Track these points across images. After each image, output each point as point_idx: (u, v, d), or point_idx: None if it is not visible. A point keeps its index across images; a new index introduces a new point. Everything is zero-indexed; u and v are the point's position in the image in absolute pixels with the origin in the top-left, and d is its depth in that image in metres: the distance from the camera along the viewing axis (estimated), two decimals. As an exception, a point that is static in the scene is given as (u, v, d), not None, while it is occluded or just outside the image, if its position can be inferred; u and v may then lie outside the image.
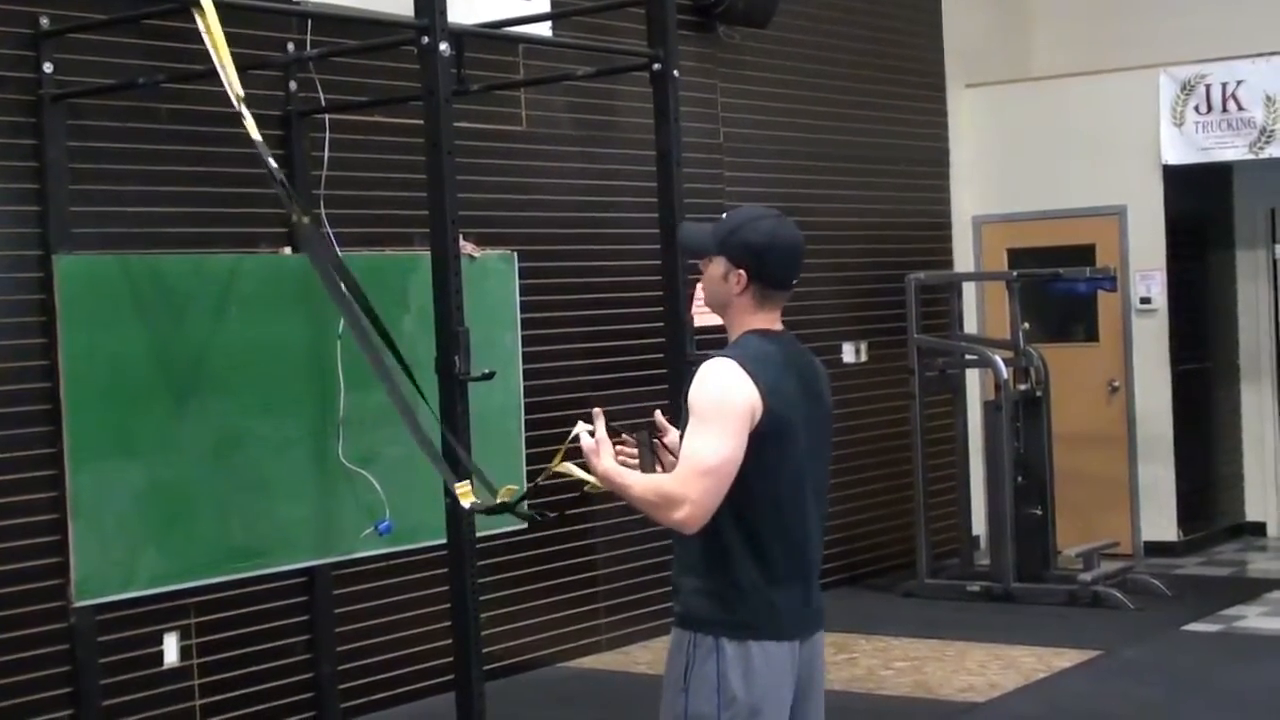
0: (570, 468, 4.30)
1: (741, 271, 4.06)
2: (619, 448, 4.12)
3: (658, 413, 4.25)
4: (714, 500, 3.89)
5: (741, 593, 4.01)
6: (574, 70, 8.42)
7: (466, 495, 5.03)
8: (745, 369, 3.95)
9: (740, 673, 3.98)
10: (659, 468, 4.11)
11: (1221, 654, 8.93)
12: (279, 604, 7.65)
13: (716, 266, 4.09)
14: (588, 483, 4.26)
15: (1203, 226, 12.25)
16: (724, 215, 4.20)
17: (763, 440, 3.94)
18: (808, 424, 4.07)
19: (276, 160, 7.64)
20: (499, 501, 4.97)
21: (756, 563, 4.01)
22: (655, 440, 4.14)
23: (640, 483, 4.01)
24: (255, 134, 5.88)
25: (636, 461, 4.11)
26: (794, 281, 4.18)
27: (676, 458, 4.05)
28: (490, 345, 7.69)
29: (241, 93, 5.74)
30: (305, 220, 6.04)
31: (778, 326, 4.14)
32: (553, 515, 5.24)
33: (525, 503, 5.02)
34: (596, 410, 4.14)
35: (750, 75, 10.53)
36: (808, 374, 4.16)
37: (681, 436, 4.02)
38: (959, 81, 12.31)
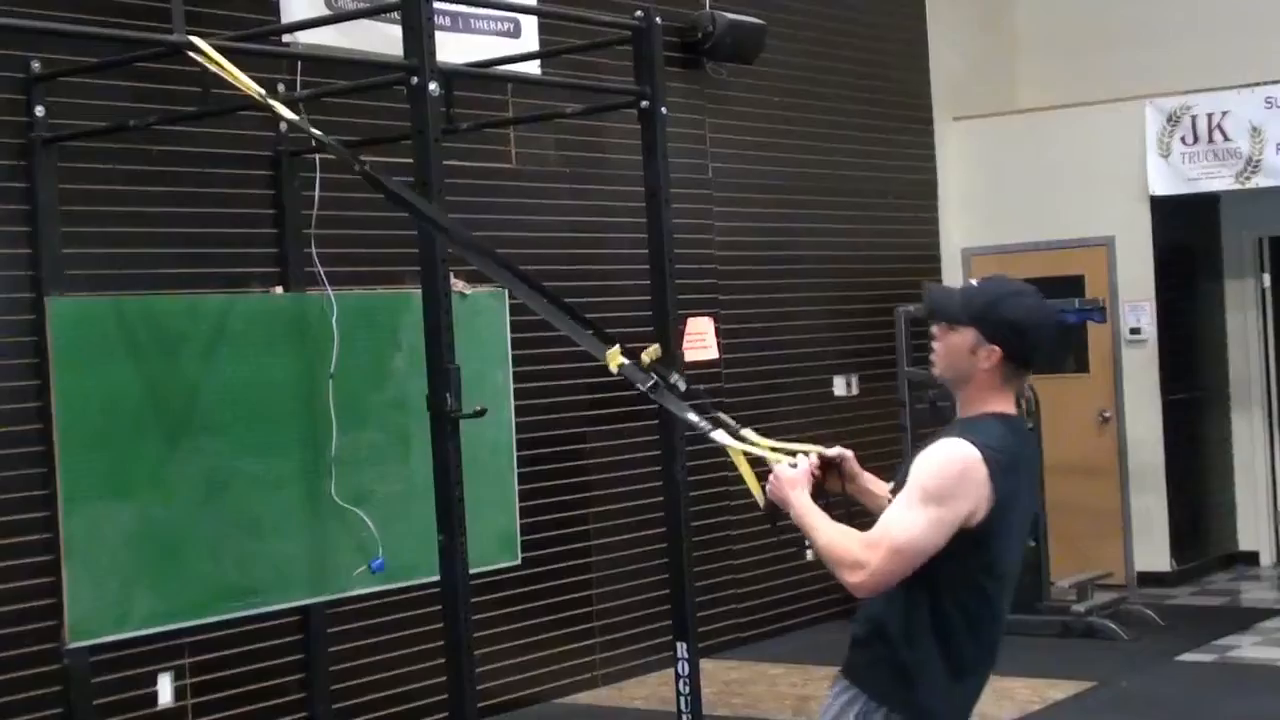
0: (748, 473, 4.22)
1: (996, 348, 3.86)
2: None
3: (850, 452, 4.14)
4: (892, 579, 3.79)
5: (929, 677, 3.89)
6: (563, 108, 8.46)
7: (615, 358, 4.69)
8: (988, 466, 3.77)
9: None
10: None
11: (1215, 684, 8.93)
12: (273, 643, 7.64)
13: (963, 337, 3.88)
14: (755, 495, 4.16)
15: (1191, 256, 12.29)
16: (974, 281, 4.02)
17: (986, 537, 3.81)
18: (1023, 517, 3.96)
19: (267, 201, 7.73)
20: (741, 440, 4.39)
21: (952, 650, 3.89)
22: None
23: (827, 532, 3.91)
24: (289, 114, 5.89)
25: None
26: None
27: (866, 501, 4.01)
28: (482, 382, 7.71)
29: (261, 90, 5.73)
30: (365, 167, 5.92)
31: (1014, 410, 3.96)
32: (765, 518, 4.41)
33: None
34: (817, 451, 4.09)
35: (738, 111, 10.57)
36: (1033, 466, 4.10)
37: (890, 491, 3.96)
38: (946, 114, 12.35)
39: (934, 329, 3.98)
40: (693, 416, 4.37)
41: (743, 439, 4.33)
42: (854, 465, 4.15)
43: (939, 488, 3.77)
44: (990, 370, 3.88)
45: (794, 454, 4.09)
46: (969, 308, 3.90)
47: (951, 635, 3.87)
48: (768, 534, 10.79)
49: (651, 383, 4.54)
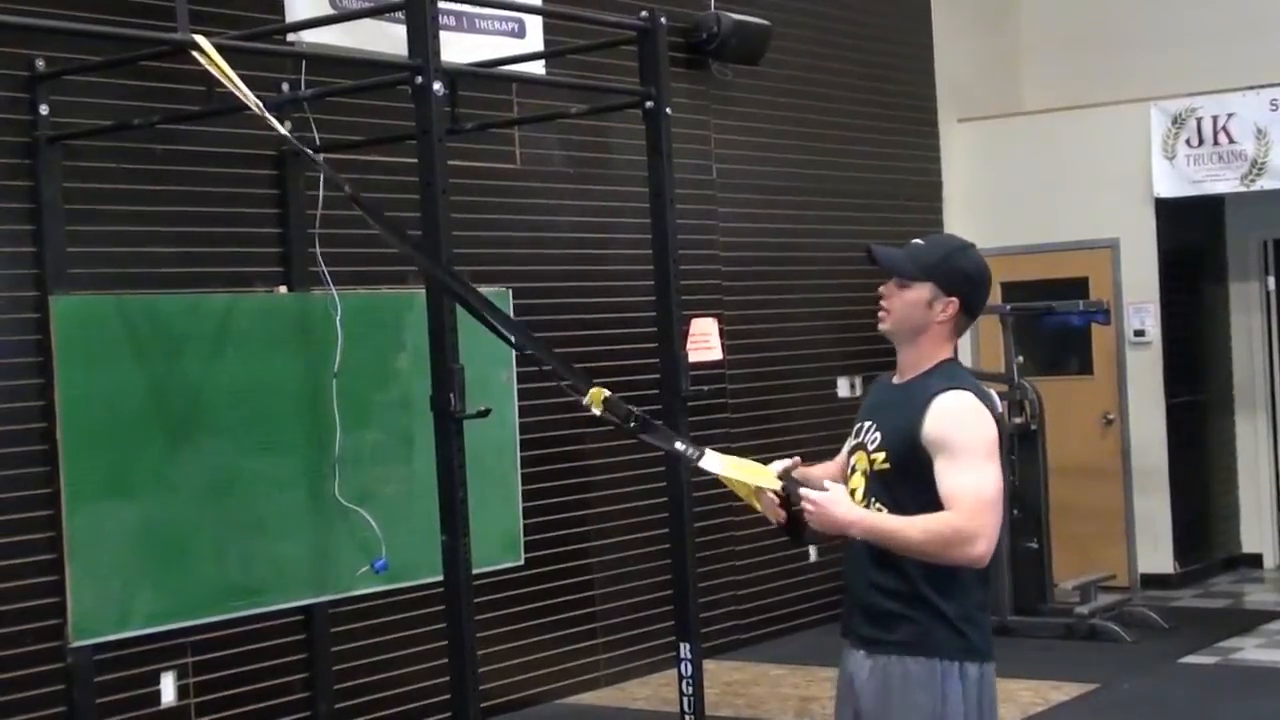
0: (744, 491, 4.23)
1: (954, 299, 4.10)
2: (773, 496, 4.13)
3: (798, 458, 4.21)
4: (998, 531, 3.94)
5: (976, 618, 4.06)
6: (567, 108, 8.45)
7: (598, 397, 4.71)
8: (984, 402, 4.05)
9: (981, 696, 4.04)
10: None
11: (1218, 686, 8.93)
12: (276, 642, 7.64)
13: (919, 292, 4.11)
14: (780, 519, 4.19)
15: (1195, 259, 12.28)
16: (914, 240, 4.24)
17: None
18: None
19: (271, 201, 7.73)
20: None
21: (982, 587, 4.08)
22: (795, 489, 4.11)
23: (918, 525, 3.93)
24: (282, 129, 5.91)
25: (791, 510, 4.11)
26: None
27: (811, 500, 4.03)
28: (485, 383, 7.70)
29: (258, 101, 5.74)
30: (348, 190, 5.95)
31: None
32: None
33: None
34: (792, 462, 4.16)
35: (743, 111, 10.57)
36: None
37: (903, 462, 4.01)
38: (951, 116, 12.34)
39: (883, 287, 4.19)
40: (680, 445, 4.42)
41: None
42: (805, 470, 4.26)
43: (984, 437, 3.99)
44: (945, 321, 4.12)
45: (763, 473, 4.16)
46: (923, 263, 4.13)
47: (983, 573, 4.04)
48: (770, 535, 10.78)
49: (637, 422, 4.60)
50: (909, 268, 4.13)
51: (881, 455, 4.06)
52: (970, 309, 4.14)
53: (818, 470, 4.30)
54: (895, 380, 4.23)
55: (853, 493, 4.12)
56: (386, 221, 5.64)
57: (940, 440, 3.96)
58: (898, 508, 4.01)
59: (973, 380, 4.12)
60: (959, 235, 4.22)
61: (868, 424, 4.18)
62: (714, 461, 4.25)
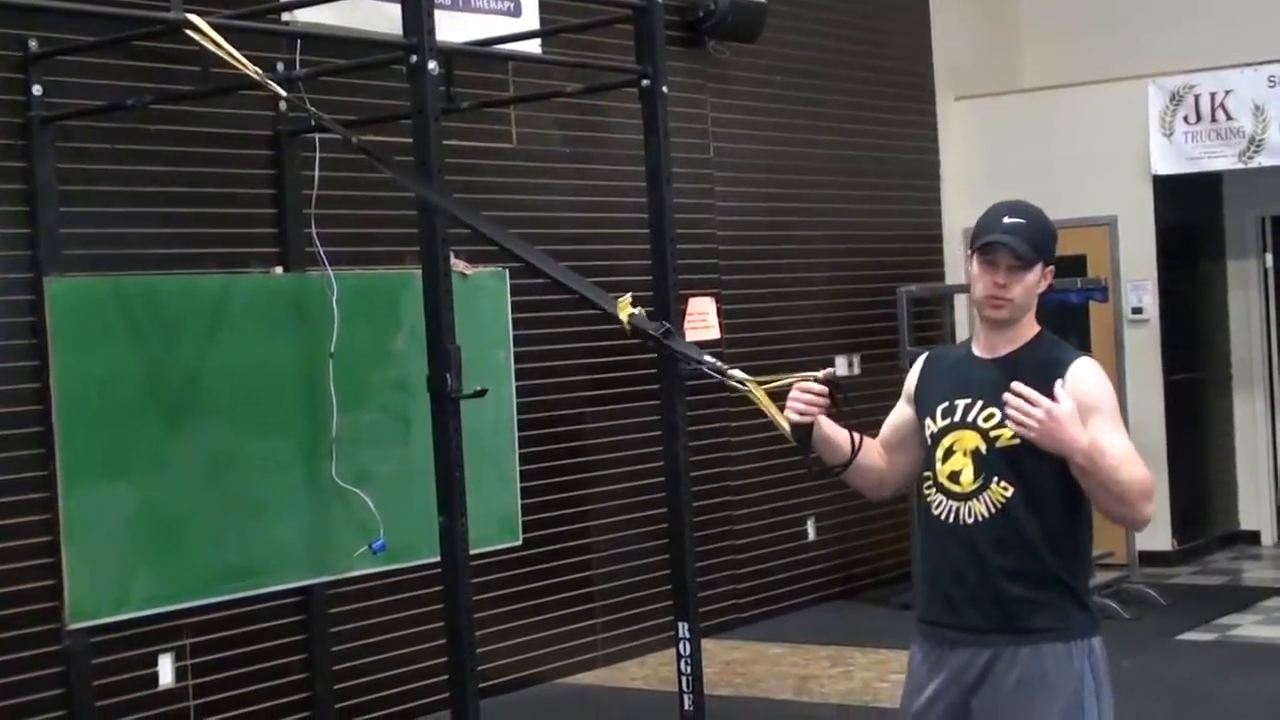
0: (772, 409, 4.15)
1: (1051, 267, 4.06)
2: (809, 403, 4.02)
3: (833, 368, 4.12)
4: None
5: (1088, 593, 4.04)
6: (563, 87, 8.43)
7: (625, 309, 4.74)
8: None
9: (1105, 668, 4.04)
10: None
11: (1217, 663, 8.94)
12: (273, 624, 7.64)
13: (1034, 273, 4.02)
14: (785, 429, 4.08)
15: (1193, 236, 12.27)
16: (1012, 219, 4.02)
17: None
18: None
19: (266, 181, 7.71)
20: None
21: (1089, 563, 4.09)
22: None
23: (1127, 470, 3.81)
24: (282, 91, 5.86)
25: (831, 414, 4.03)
26: None
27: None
28: (483, 363, 7.69)
29: (258, 69, 5.70)
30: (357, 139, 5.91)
31: None
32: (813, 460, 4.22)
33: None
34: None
35: (739, 90, 10.54)
36: None
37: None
38: (948, 94, 12.32)
39: (997, 279, 3.98)
40: (708, 358, 4.37)
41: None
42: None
43: (1112, 399, 3.95)
44: (1042, 291, 4.06)
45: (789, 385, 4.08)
46: (1037, 245, 4.00)
47: (1091, 549, 4.04)
48: (770, 514, 10.77)
49: (664, 330, 4.54)
50: (1032, 253, 3.99)
51: (1009, 431, 3.87)
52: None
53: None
54: (981, 354, 4.07)
55: (955, 475, 3.98)
56: (396, 165, 5.56)
57: (1092, 403, 3.85)
58: (1028, 484, 3.90)
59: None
60: (1023, 201, 4.08)
61: (965, 402, 4.01)
62: (740, 374, 4.24)
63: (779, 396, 4.14)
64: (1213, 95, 11.32)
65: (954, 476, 3.98)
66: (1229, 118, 11.28)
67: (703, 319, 9.83)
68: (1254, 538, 12.46)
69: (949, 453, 4.00)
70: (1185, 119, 11.45)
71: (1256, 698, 8.18)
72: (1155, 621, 9.83)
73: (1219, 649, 9.28)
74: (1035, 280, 4.00)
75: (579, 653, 9.16)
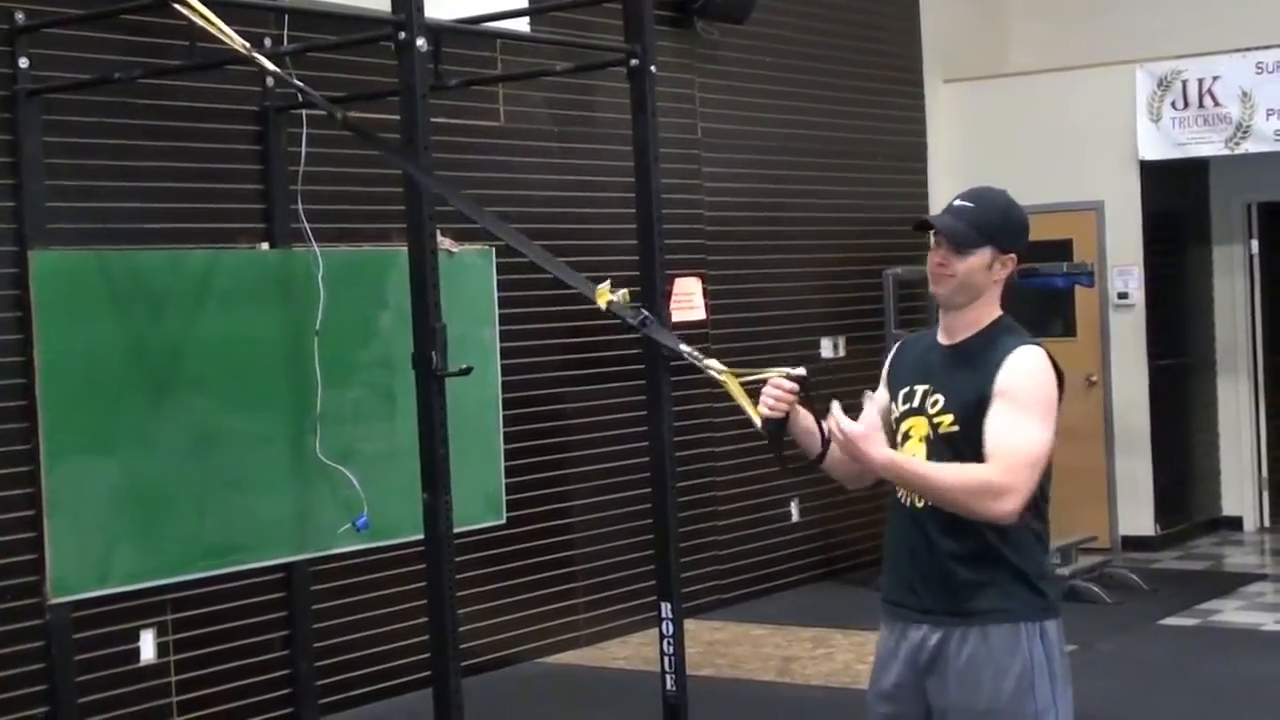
0: (744, 399, 4.12)
1: (1013, 255, 4.06)
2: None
3: (802, 368, 4.05)
4: (1032, 492, 3.90)
5: (1047, 575, 4.06)
6: (552, 66, 8.41)
7: (604, 295, 4.75)
8: (1053, 363, 3.99)
9: (1060, 653, 4.04)
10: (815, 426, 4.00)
11: (1198, 648, 8.96)
12: (256, 600, 7.63)
13: (981, 257, 4.01)
14: (757, 423, 4.03)
15: (1179, 222, 12.28)
16: (961, 202, 4.09)
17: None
18: None
19: (253, 156, 7.69)
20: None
21: (1046, 546, 4.08)
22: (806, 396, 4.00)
23: (949, 473, 3.86)
24: (273, 67, 5.83)
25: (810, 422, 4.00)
26: None
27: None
28: (468, 341, 7.69)
29: (246, 43, 5.67)
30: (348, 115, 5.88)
31: None
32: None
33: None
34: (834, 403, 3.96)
35: (728, 71, 10.53)
36: None
37: (973, 422, 3.94)
38: (937, 77, 12.32)
39: (936, 257, 4.05)
40: (685, 347, 4.37)
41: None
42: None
43: (1040, 391, 3.92)
44: (1001, 279, 4.06)
45: (764, 381, 4.02)
46: (985, 228, 4.02)
47: (1046, 533, 4.06)
48: (753, 495, 10.76)
49: (641, 317, 4.53)
50: (972, 235, 4.00)
51: (949, 418, 3.96)
52: (1021, 259, 4.09)
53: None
54: (943, 341, 4.11)
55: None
56: (383, 141, 5.53)
57: (1005, 389, 3.90)
58: None
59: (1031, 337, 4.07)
60: (993, 187, 4.13)
61: (923, 388, 4.06)
62: (716, 364, 4.23)
63: (757, 390, 4.12)
64: (1200, 81, 11.33)
65: None
66: (1216, 104, 11.28)
67: (688, 299, 9.83)
68: (1236, 523, 12.49)
69: (906, 438, 4.08)
70: (1173, 105, 11.45)
71: (1237, 682, 8.21)
72: (1137, 606, 9.86)
73: (1201, 634, 9.31)
74: (983, 264, 4.01)
75: (561, 632, 9.16)
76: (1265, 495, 12.54)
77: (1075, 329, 12.01)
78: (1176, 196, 12.17)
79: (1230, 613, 9.78)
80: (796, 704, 8.10)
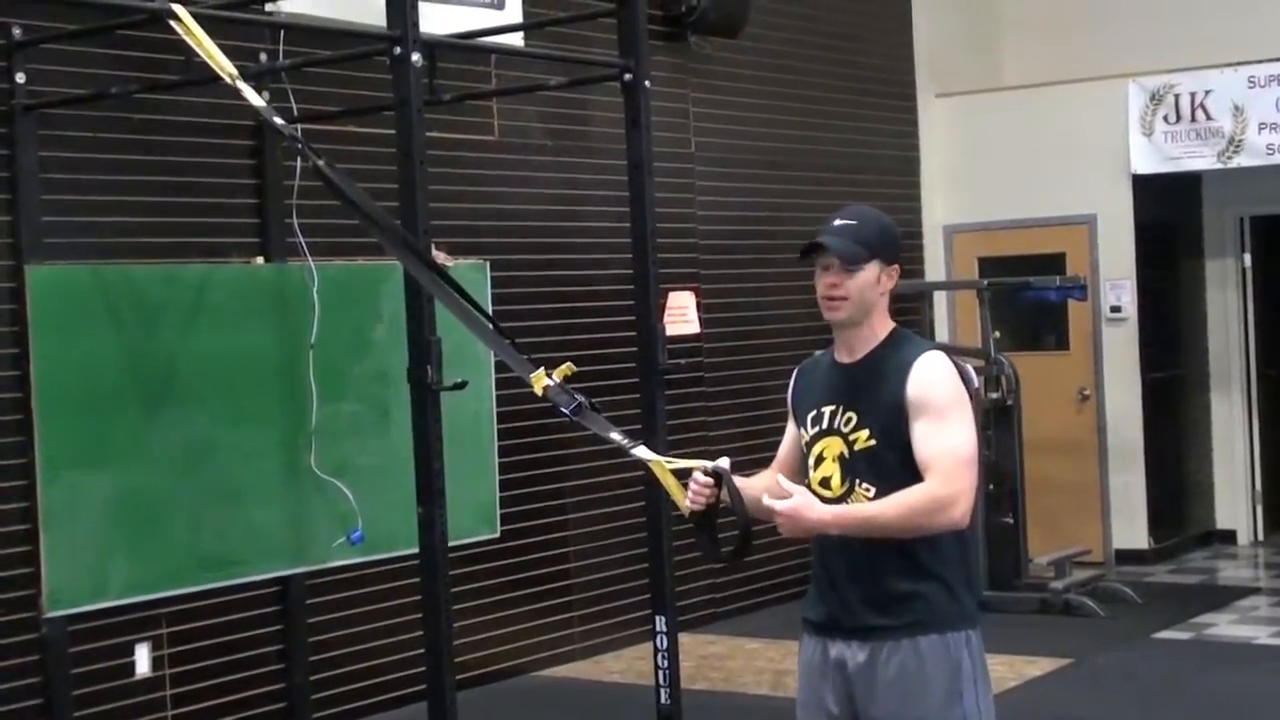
0: (672, 485, 4.15)
1: (895, 267, 4.15)
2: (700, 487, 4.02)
3: (726, 459, 4.07)
4: (974, 490, 3.95)
5: (971, 583, 4.11)
6: (546, 80, 8.43)
7: (540, 380, 4.79)
8: (953, 362, 4.07)
9: (983, 661, 4.09)
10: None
11: (1192, 661, 8.97)
12: (251, 614, 7.64)
13: (869, 272, 4.08)
14: (687, 509, 4.09)
15: (1172, 235, 12.30)
16: (842, 221, 4.17)
17: None
18: None
19: (248, 171, 7.71)
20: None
21: (969, 553, 4.13)
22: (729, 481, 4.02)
23: (894, 504, 3.91)
24: (257, 100, 5.82)
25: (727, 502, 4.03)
26: None
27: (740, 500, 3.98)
28: (463, 355, 7.67)
29: (234, 70, 5.69)
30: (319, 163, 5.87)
31: None
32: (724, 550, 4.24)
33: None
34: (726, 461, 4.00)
35: (722, 85, 10.56)
36: None
37: (890, 434, 4.00)
38: (929, 91, 12.35)
39: (828, 279, 4.10)
40: (616, 435, 4.37)
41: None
42: (744, 482, 4.13)
43: (953, 394, 4.01)
44: (888, 290, 4.15)
45: (690, 470, 4.05)
46: (870, 244, 4.10)
47: (966, 538, 4.10)
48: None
49: (575, 404, 4.58)
50: (861, 252, 4.08)
51: (865, 433, 4.03)
52: (903, 275, 4.19)
53: (757, 482, 4.18)
54: (843, 360, 4.17)
55: (826, 481, 4.10)
56: (357, 196, 5.49)
57: (920, 401, 3.97)
58: (885, 482, 3.98)
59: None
60: (863, 204, 4.31)
61: (830, 408, 4.12)
62: (645, 452, 4.24)
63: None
64: (1193, 95, 11.36)
65: (824, 482, 4.11)
66: (1209, 118, 11.32)
67: (682, 313, 9.84)
68: (1230, 537, 12.50)
69: (819, 459, 4.14)
70: (1165, 119, 11.49)
71: (1230, 696, 8.22)
72: (1131, 620, 9.86)
73: (1194, 647, 9.31)
74: (872, 279, 4.09)
75: (556, 645, 9.17)
76: (1259, 509, 12.54)
77: (1068, 343, 12.03)
78: (1169, 210, 12.19)
79: (1224, 626, 9.79)
80: (789, 717, 8.08)
